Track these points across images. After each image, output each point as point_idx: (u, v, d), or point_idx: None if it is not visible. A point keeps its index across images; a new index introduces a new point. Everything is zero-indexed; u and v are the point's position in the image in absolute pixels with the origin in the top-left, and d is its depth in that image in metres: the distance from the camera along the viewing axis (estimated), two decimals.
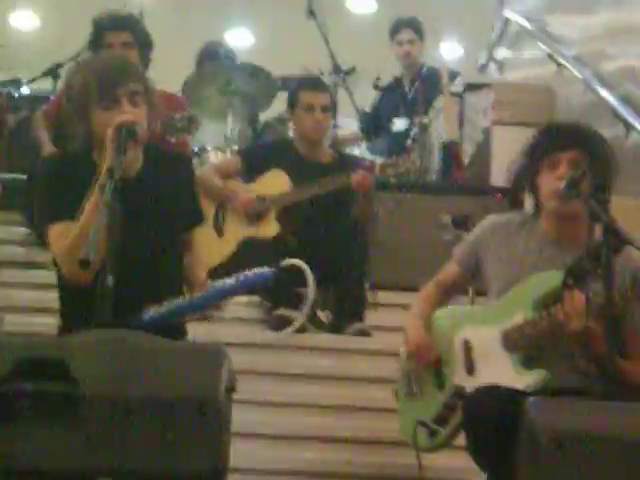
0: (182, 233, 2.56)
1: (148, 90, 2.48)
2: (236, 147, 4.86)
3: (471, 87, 5.39)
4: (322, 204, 3.88)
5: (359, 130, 5.85)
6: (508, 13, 6.31)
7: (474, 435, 2.37)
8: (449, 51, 8.43)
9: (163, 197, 2.50)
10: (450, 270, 2.78)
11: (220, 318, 2.57)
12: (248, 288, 2.41)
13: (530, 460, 1.97)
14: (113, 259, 2.11)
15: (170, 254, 2.51)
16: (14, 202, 4.38)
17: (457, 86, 5.45)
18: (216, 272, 2.67)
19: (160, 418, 1.84)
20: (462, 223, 3.87)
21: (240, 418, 2.25)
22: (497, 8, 6.67)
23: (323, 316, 3.81)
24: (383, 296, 4.02)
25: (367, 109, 5.88)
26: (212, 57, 5.49)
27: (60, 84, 4.68)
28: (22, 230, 4.28)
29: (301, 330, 3.65)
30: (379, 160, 4.87)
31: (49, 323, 2.81)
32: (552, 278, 2.47)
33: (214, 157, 4.84)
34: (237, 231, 4.01)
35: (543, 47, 5.46)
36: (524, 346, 2.47)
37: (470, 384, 2.50)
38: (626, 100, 4.33)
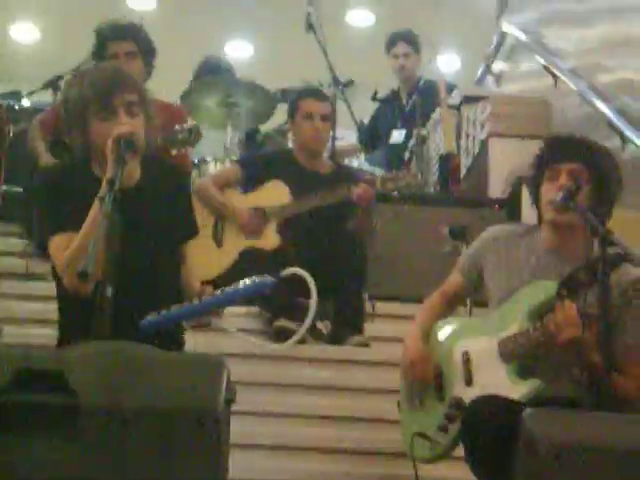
0: (178, 244, 2.57)
1: (145, 101, 2.49)
2: (235, 158, 4.88)
3: (468, 99, 5.41)
4: (322, 216, 3.89)
5: (357, 142, 5.88)
6: (505, 26, 6.33)
7: (472, 446, 2.38)
8: (446, 64, 8.46)
9: (161, 208, 2.51)
10: (454, 281, 2.80)
11: (220, 328, 2.57)
12: (247, 296, 2.42)
13: (528, 471, 1.97)
14: (112, 270, 2.12)
15: (168, 265, 2.52)
16: (13, 214, 4.39)
17: (454, 98, 5.48)
18: (215, 283, 2.67)
19: (159, 429, 1.84)
20: (460, 234, 3.87)
21: (239, 429, 2.26)
22: (494, 21, 6.71)
23: (322, 327, 3.82)
24: (382, 307, 4.03)
25: (365, 121, 5.90)
26: (211, 71, 5.51)
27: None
28: (21, 242, 4.27)
29: (300, 341, 3.65)
30: (378, 171, 4.90)
31: (48, 334, 2.82)
32: (548, 288, 2.49)
33: (213, 168, 4.86)
34: (237, 242, 4.01)
35: (539, 60, 5.48)
36: (519, 356, 2.48)
37: (468, 395, 2.51)
38: (622, 112, 4.35)
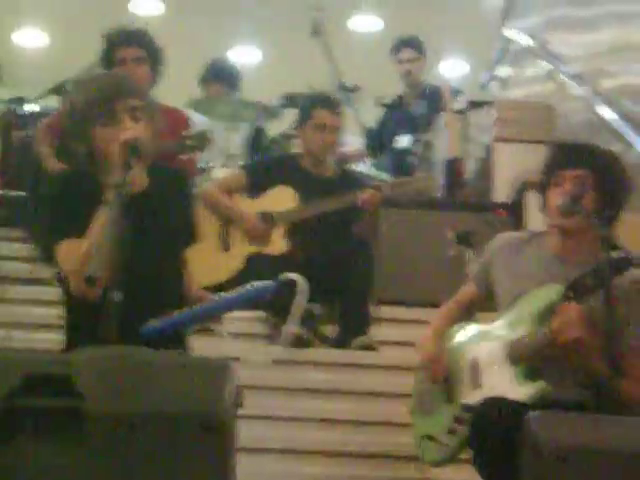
0: (181, 251, 2.59)
1: (148, 105, 2.51)
2: (241, 164, 4.90)
3: (473, 105, 5.42)
4: (329, 220, 3.91)
5: (364, 147, 5.89)
6: (509, 31, 6.35)
7: (479, 448, 2.39)
8: (452, 69, 8.47)
9: (167, 214, 2.52)
10: (467, 289, 2.84)
11: (222, 334, 2.59)
12: (248, 301, 2.44)
13: (532, 474, 1.97)
14: (119, 275, 2.13)
15: (173, 270, 2.54)
16: (18, 219, 4.40)
17: (460, 103, 5.48)
18: (222, 289, 2.69)
19: (166, 434, 1.84)
20: (465, 239, 3.89)
21: (246, 433, 2.27)
22: (499, 27, 6.72)
23: (328, 331, 3.83)
24: (387, 311, 4.04)
25: (372, 126, 5.92)
26: (217, 75, 5.53)
27: None
28: (26, 246, 4.28)
29: (307, 344, 3.65)
30: (384, 176, 4.91)
31: (53, 339, 2.83)
32: (555, 292, 2.50)
33: (220, 174, 4.87)
34: (243, 247, 4.02)
35: (544, 65, 5.49)
36: (526, 358, 2.50)
37: (476, 398, 2.52)
38: (626, 117, 4.35)
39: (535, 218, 3.05)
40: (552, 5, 5.95)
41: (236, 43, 8.70)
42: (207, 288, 3.09)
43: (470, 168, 5.32)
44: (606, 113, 4.50)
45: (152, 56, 3.82)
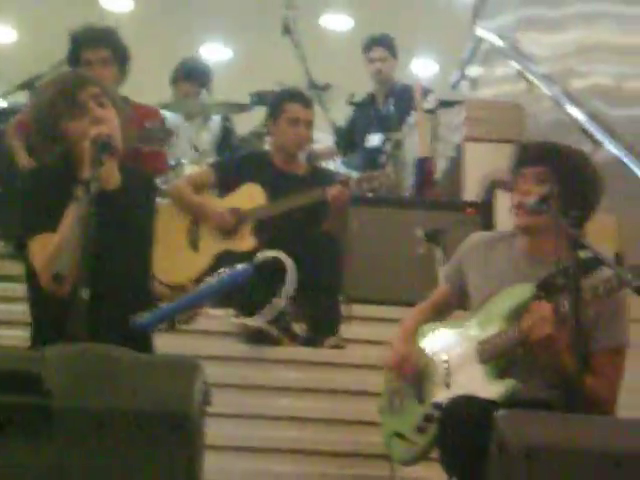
0: (149, 250, 2.58)
1: (110, 95, 2.51)
2: (210, 161, 4.88)
3: (444, 104, 5.45)
4: (297, 217, 3.90)
5: (334, 145, 5.89)
6: (480, 31, 6.38)
7: (446, 445, 2.40)
8: (423, 68, 8.51)
9: (139, 212, 2.52)
10: (441, 289, 2.85)
11: (190, 329, 2.59)
12: (231, 285, 2.45)
13: (499, 471, 1.98)
14: (88, 272, 2.12)
15: (142, 268, 2.54)
16: None
17: (430, 103, 5.51)
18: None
19: (134, 432, 1.84)
20: (434, 237, 3.91)
21: (215, 431, 2.27)
22: (469, 26, 6.75)
23: (298, 329, 3.83)
24: (357, 309, 4.04)
25: (341, 125, 5.92)
26: (188, 75, 5.50)
27: None
28: None
29: (277, 343, 3.65)
30: (354, 175, 4.91)
31: (17, 336, 2.81)
32: (525, 291, 2.52)
33: (190, 170, 4.85)
34: (212, 245, 4.01)
35: (514, 65, 5.53)
36: (496, 357, 2.51)
37: (446, 397, 2.52)
38: (594, 117, 4.40)
39: (505, 217, 3.07)
40: (522, 5, 5.99)
41: (206, 41, 8.68)
42: (176, 286, 3.09)
43: (440, 167, 5.34)
44: (575, 113, 4.54)
45: (119, 56, 3.81)
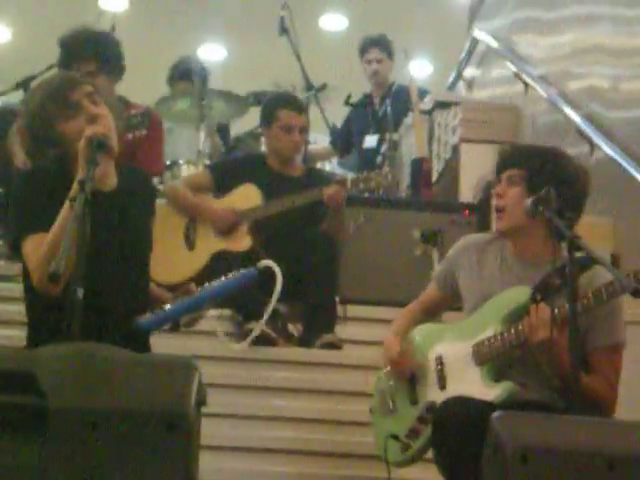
0: (147, 254, 2.58)
1: (103, 92, 2.51)
2: (208, 162, 4.88)
3: (440, 105, 5.45)
4: (294, 218, 3.91)
5: (330, 146, 5.90)
6: (476, 33, 6.39)
7: (441, 447, 2.40)
8: (419, 69, 8.51)
9: (137, 214, 2.52)
10: (430, 290, 2.85)
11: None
12: (235, 288, 2.46)
13: (495, 474, 1.98)
14: (83, 272, 2.12)
15: (139, 271, 2.53)
16: None
17: (426, 104, 5.51)
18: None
19: (129, 432, 1.83)
20: (431, 238, 3.91)
21: (210, 431, 2.27)
22: (466, 28, 6.76)
23: (293, 329, 3.83)
24: (353, 310, 4.05)
25: (338, 125, 5.93)
26: (184, 74, 5.50)
27: None
28: None
29: (272, 343, 3.65)
30: (350, 176, 4.92)
31: (13, 335, 2.80)
32: (522, 294, 2.52)
33: (186, 171, 4.85)
34: (208, 245, 4.01)
35: (510, 66, 5.54)
36: (493, 359, 2.51)
37: (442, 399, 2.53)
38: (591, 119, 4.40)
39: None
40: (519, 7, 6.00)
41: (202, 40, 8.68)
42: (173, 285, 3.09)
43: (436, 168, 5.35)
44: (572, 115, 4.55)
45: (105, 67, 3.77)
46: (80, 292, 2.08)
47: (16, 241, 2.43)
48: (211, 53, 8.72)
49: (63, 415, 1.83)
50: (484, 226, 4.25)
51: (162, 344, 2.60)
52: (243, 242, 3.94)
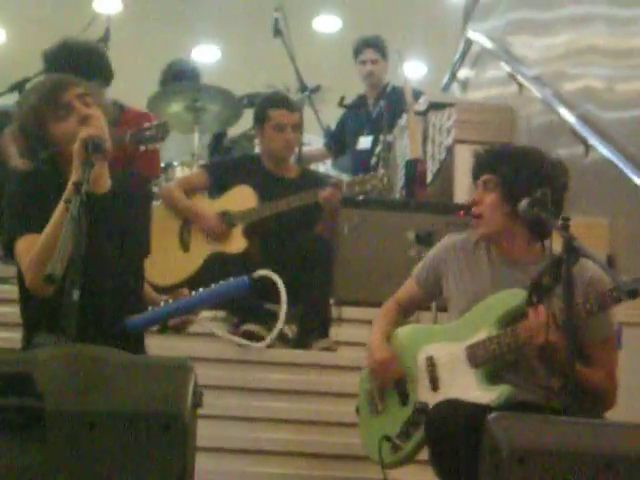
0: (142, 256, 2.58)
1: (95, 96, 2.51)
2: (202, 163, 4.87)
3: (434, 106, 5.46)
4: (289, 220, 3.90)
5: (324, 147, 5.90)
6: (471, 33, 6.40)
7: (436, 449, 2.39)
8: (413, 70, 8.52)
9: (131, 217, 2.52)
10: (408, 287, 2.83)
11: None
12: (226, 296, 2.46)
13: (491, 475, 1.98)
14: (78, 274, 2.11)
15: (134, 272, 2.53)
16: None
17: (421, 105, 5.52)
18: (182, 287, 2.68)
19: (125, 433, 1.83)
20: (425, 239, 3.90)
21: (206, 433, 2.26)
22: (460, 28, 6.77)
23: (289, 331, 3.83)
24: (348, 311, 4.05)
25: (332, 127, 5.92)
26: (177, 75, 5.49)
27: None
28: None
29: (267, 345, 3.65)
30: (344, 177, 4.92)
31: (9, 338, 2.79)
32: (515, 296, 2.52)
33: (181, 173, 4.85)
34: (203, 246, 4.00)
35: (505, 67, 5.54)
36: (488, 362, 2.51)
37: (434, 400, 2.52)
38: (585, 120, 4.41)
39: None
40: (514, 7, 6.00)
41: (196, 42, 8.68)
42: (167, 287, 3.09)
43: (431, 169, 5.35)
44: (566, 115, 4.55)
45: (93, 78, 3.74)
46: (76, 294, 2.08)
47: (9, 242, 2.43)
48: (205, 55, 8.72)
49: (60, 417, 1.83)
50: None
51: (158, 345, 2.60)
52: (238, 244, 3.93)
